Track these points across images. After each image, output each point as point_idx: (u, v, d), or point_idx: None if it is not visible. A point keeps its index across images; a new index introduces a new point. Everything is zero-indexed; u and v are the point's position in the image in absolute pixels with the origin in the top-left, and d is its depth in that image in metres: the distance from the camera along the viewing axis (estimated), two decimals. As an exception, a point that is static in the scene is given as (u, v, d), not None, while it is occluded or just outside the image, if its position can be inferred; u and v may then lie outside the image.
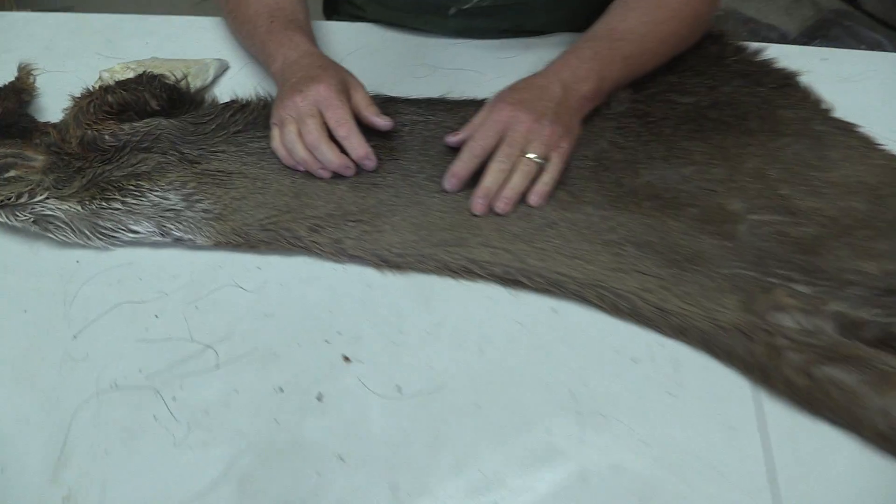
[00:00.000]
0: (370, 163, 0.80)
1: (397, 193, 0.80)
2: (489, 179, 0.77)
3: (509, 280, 0.74)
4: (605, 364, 0.68)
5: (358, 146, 0.79)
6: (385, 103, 0.87)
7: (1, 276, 0.77)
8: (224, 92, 0.94)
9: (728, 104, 0.89)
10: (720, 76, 0.93)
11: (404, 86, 0.93)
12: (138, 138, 0.85)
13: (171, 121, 0.87)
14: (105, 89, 0.87)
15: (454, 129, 0.84)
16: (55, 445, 0.64)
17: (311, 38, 0.91)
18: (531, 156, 0.77)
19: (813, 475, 0.60)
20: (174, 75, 0.92)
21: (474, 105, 0.89)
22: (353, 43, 1.01)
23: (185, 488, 0.61)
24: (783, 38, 2.39)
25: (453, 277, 0.75)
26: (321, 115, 0.80)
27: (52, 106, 0.96)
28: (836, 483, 0.60)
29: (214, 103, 0.92)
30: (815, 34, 2.38)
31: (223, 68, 0.99)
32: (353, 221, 0.78)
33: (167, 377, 0.68)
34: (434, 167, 0.82)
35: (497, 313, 0.72)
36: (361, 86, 0.85)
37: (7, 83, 0.95)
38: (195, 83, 0.94)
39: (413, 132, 0.86)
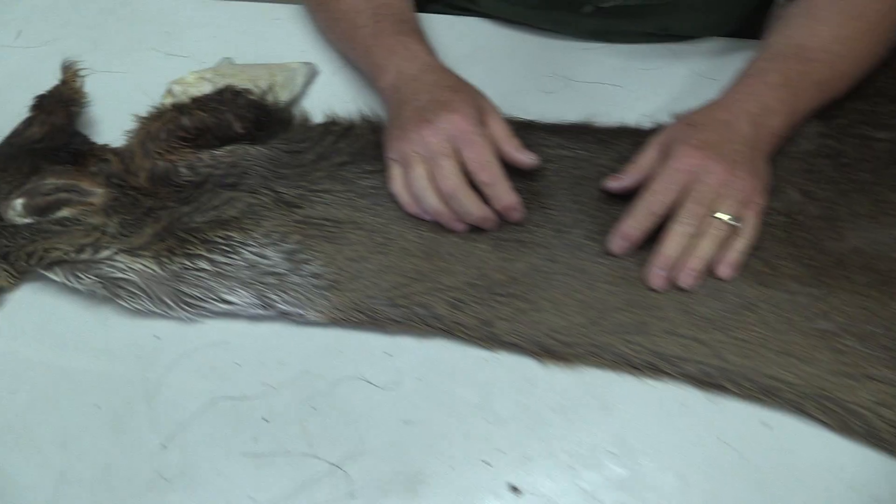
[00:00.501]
0: (517, 215, 0.65)
1: (552, 256, 0.64)
2: (671, 246, 0.62)
3: (706, 382, 0.59)
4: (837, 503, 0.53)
5: (504, 195, 0.64)
6: (521, 130, 0.70)
7: (63, 357, 0.62)
8: (315, 106, 0.77)
9: (941, 142, 0.73)
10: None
11: (531, 103, 0.77)
12: (221, 171, 0.69)
13: (260, 148, 0.71)
14: (179, 109, 0.71)
15: (610, 168, 0.68)
16: None
17: (428, 43, 0.75)
18: (723, 216, 0.62)
19: None
20: (258, 87, 0.75)
21: (629, 136, 0.73)
22: (461, 43, 0.84)
23: None
24: None
25: (635, 375, 0.59)
26: (457, 154, 0.63)
27: (103, 117, 0.79)
28: None
29: (307, 123, 0.75)
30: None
31: (312, 74, 0.82)
32: (503, 295, 0.62)
33: (286, 508, 0.53)
34: (592, 220, 0.67)
35: (696, 426, 0.57)
36: (497, 111, 0.69)
37: (51, 90, 0.78)
38: (282, 95, 0.77)
39: (560, 171, 0.70)
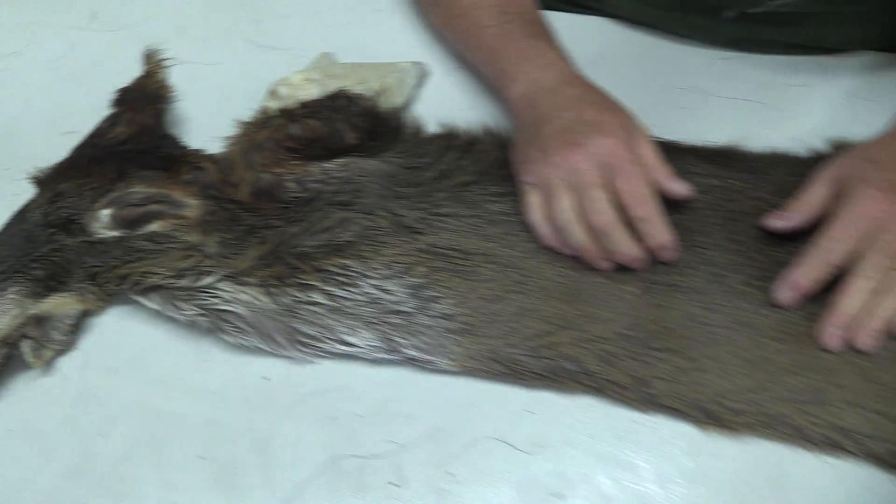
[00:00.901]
0: (671, 255, 0.57)
1: (709, 304, 0.57)
2: (851, 303, 0.54)
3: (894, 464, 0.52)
4: None
5: (660, 232, 0.56)
6: (666, 154, 0.62)
7: (159, 396, 0.56)
8: (426, 113, 0.70)
9: None
10: None
11: (664, 119, 0.68)
12: (332, 188, 0.62)
13: (375, 162, 0.63)
14: (288, 116, 0.63)
15: (768, 203, 0.60)
16: None
17: (562, 49, 0.67)
18: None
19: None
20: (370, 90, 0.67)
21: (785, 164, 0.65)
22: (584, 46, 0.75)
23: None
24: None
25: (811, 450, 0.52)
26: (609, 185, 0.56)
27: (191, 115, 0.72)
28: None
29: (422, 135, 0.68)
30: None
31: (423, 76, 0.74)
32: (660, 350, 0.55)
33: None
34: (751, 263, 0.59)
35: (890, 521, 0.50)
36: (645, 133, 0.61)
37: (135, 83, 0.70)
38: (393, 100, 0.69)
39: (713, 204, 0.62)
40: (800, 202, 0.58)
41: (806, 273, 0.55)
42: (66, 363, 0.58)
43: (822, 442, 0.52)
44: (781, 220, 0.58)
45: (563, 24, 0.76)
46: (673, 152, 0.64)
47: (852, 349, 0.54)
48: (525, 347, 0.55)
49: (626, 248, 0.56)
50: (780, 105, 0.72)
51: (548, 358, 0.54)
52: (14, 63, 0.79)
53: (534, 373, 0.54)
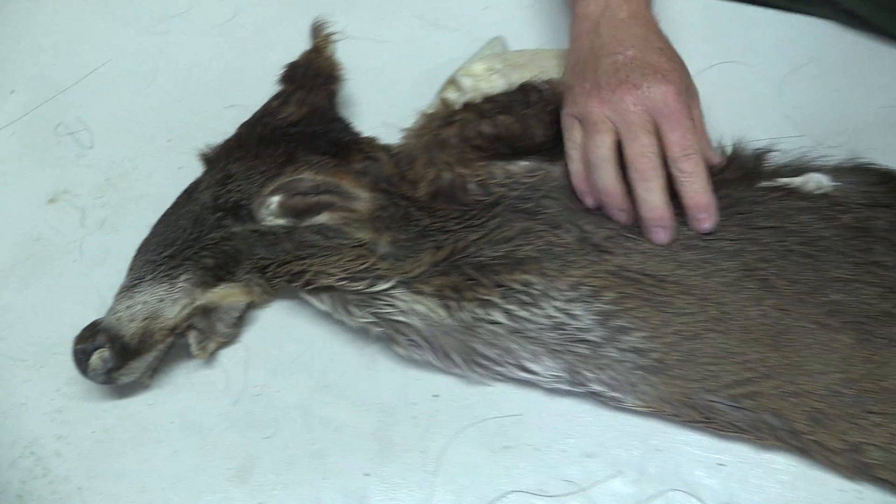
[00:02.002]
0: (707, 222, 0.53)
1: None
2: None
3: None
4: None
5: (703, 190, 0.52)
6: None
7: (322, 402, 0.54)
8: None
9: None
10: None
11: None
12: (517, 193, 0.57)
13: (564, 168, 0.58)
14: (477, 111, 0.59)
15: None
16: None
17: None
18: None
19: None
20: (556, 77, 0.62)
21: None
22: (790, 47, 0.68)
23: None
24: None
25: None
26: (657, 133, 0.51)
27: (360, 97, 0.69)
28: None
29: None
30: None
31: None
32: (878, 413, 0.49)
33: None
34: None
35: None
36: (698, 96, 0.56)
37: (304, 59, 0.67)
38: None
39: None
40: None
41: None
42: (229, 357, 0.56)
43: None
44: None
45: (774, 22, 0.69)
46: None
47: None
48: (724, 395, 0.50)
49: (659, 200, 0.52)
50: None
51: (749, 409, 0.49)
52: (178, 25, 0.77)
53: (732, 424, 0.49)
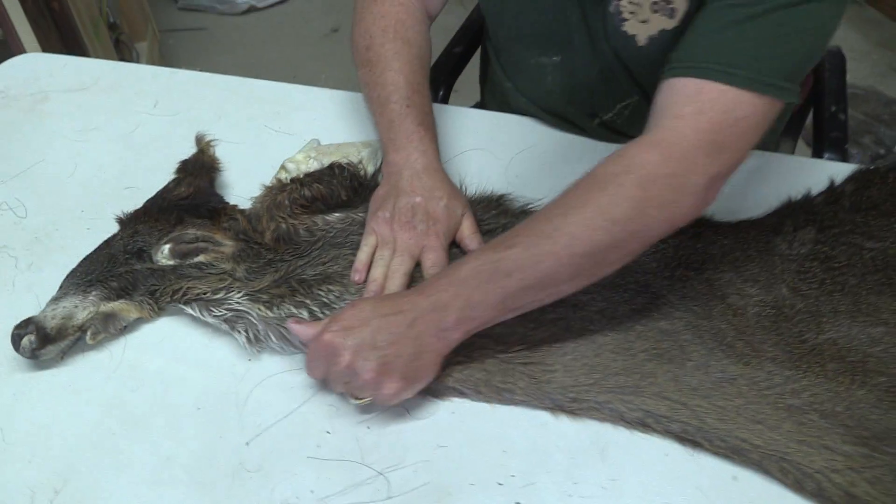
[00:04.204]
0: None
1: (567, 327, 0.78)
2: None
3: (687, 440, 0.72)
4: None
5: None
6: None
7: (176, 368, 0.79)
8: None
9: (925, 254, 0.85)
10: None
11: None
12: (332, 234, 0.85)
13: (364, 214, 0.87)
14: (300, 182, 0.88)
15: None
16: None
17: (436, 142, 0.91)
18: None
19: None
20: (352, 161, 0.92)
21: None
22: (503, 133, 1.01)
23: None
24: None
25: (628, 429, 0.73)
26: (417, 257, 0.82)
27: (230, 180, 0.97)
28: None
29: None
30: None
31: (386, 150, 0.99)
32: (523, 364, 0.76)
33: (338, 502, 0.68)
34: (603, 297, 0.80)
35: (676, 475, 0.70)
36: (470, 212, 0.87)
37: (193, 157, 0.97)
38: (368, 167, 0.94)
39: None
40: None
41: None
42: (113, 344, 0.81)
43: (635, 422, 0.73)
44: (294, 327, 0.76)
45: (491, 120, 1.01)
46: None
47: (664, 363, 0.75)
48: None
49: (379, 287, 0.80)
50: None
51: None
52: (94, 136, 1.06)
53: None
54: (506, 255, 0.70)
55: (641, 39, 0.89)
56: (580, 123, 1.03)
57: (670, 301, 0.81)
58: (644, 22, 0.87)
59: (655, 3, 0.84)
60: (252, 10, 2.74)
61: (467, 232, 0.85)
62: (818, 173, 0.93)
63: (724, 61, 0.70)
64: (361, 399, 0.71)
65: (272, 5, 2.78)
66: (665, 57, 0.76)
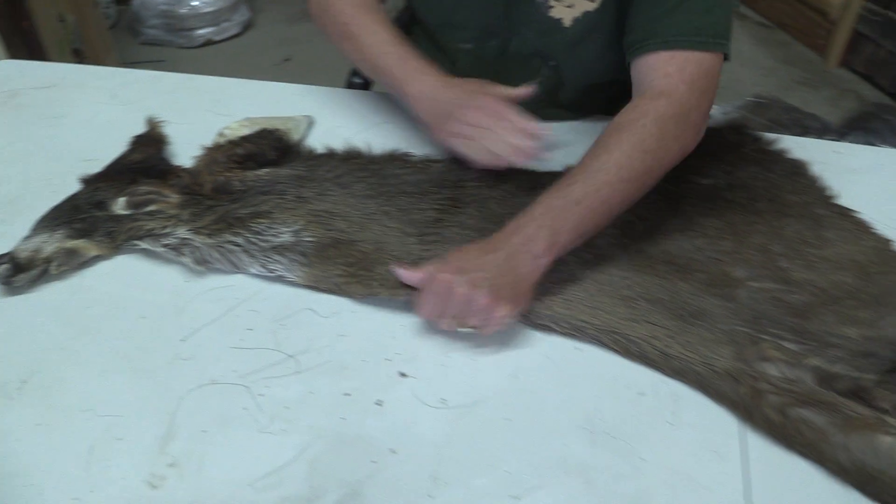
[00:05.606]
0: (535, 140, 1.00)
1: (452, 249, 0.95)
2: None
3: (540, 325, 0.88)
4: (616, 395, 0.82)
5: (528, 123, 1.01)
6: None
7: (125, 290, 0.94)
8: (314, 143, 1.13)
9: (742, 187, 1.04)
10: (737, 162, 1.07)
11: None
12: (261, 184, 1.03)
13: (286, 170, 1.04)
14: (233, 143, 1.06)
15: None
16: (164, 425, 0.80)
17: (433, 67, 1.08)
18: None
19: (782, 497, 0.73)
20: (280, 129, 1.10)
21: (527, 174, 1.06)
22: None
23: (266, 464, 0.76)
24: (825, 128, 2.53)
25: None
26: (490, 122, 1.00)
27: (177, 151, 1.15)
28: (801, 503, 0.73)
29: (313, 154, 1.10)
30: (856, 125, 2.51)
31: (311, 123, 1.18)
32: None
33: (256, 378, 0.84)
34: (490, 223, 0.97)
35: (530, 348, 0.86)
36: (497, 96, 1.04)
37: (143, 133, 1.14)
38: (294, 136, 1.12)
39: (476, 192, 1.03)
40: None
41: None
42: (75, 275, 0.97)
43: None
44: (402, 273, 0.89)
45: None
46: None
47: None
48: (335, 277, 0.94)
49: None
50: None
51: (360, 283, 0.93)
52: (60, 122, 1.23)
53: (340, 287, 0.93)
54: (571, 189, 0.87)
55: (567, 21, 1.10)
56: None
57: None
58: (569, 7, 1.09)
59: None
60: (209, 43, 2.95)
61: (503, 91, 1.04)
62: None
63: (685, 32, 0.94)
64: (465, 330, 0.84)
65: (228, 38, 2.99)
66: (587, 35, 1.07)
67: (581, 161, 0.91)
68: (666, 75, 0.94)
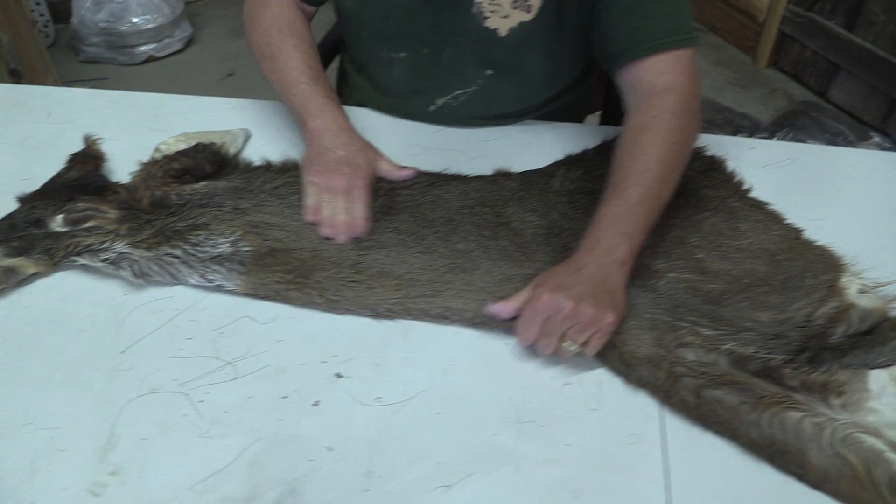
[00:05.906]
0: (361, 227, 1.02)
1: (387, 253, 0.99)
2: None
3: (476, 323, 0.92)
4: (542, 385, 0.86)
5: (360, 214, 1.03)
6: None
7: (66, 305, 0.96)
8: (251, 155, 1.16)
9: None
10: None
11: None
12: (198, 197, 1.05)
13: (223, 182, 1.07)
14: (170, 158, 1.08)
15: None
16: (105, 434, 0.81)
17: (343, 109, 1.13)
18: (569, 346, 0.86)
19: (699, 474, 0.78)
20: (216, 143, 1.12)
21: (458, 179, 1.10)
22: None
23: (206, 468, 0.78)
24: (755, 127, 2.62)
25: (432, 322, 0.93)
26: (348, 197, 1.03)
27: (114, 166, 1.16)
28: (717, 478, 0.77)
29: (250, 166, 1.12)
30: (785, 123, 2.60)
31: (248, 136, 1.20)
32: (353, 281, 0.96)
33: (196, 385, 0.86)
34: (415, 230, 1.01)
35: (462, 345, 0.90)
36: (383, 156, 1.10)
37: (83, 150, 1.15)
38: (231, 150, 1.14)
39: (406, 201, 1.06)
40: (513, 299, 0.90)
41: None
42: (13, 293, 0.98)
43: (438, 316, 0.93)
44: (498, 309, 0.89)
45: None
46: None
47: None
48: (273, 284, 0.96)
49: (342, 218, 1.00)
50: (475, 152, 1.17)
51: (296, 289, 0.96)
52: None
53: (280, 295, 0.96)
54: (629, 194, 0.93)
55: (503, 31, 1.14)
56: (416, 111, 1.25)
57: (467, 229, 1.02)
58: (505, 17, 1.12)
59: (515, 1, 1.10)
60: (151, 59, 2.95)
61: (385, 167, 1.08)
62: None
63: (666, 34, 1.03)
64: (573, 348, 0.84)
65: (171, 54, 2.99)
66: (523, 45, 1.12)
67: (619, 165, 0.98)
68: (662, 73, 1.02)
